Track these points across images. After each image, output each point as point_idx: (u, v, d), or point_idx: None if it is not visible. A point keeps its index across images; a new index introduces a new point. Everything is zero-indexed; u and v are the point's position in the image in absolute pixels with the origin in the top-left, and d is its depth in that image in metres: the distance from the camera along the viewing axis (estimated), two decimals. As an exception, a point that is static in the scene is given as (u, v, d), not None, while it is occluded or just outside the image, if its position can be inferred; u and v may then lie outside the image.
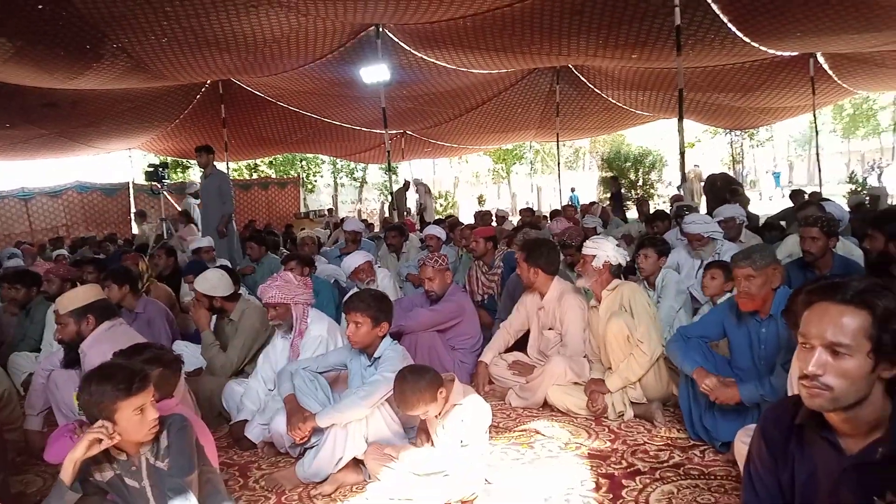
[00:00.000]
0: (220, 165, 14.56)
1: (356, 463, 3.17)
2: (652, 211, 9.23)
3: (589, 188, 29.53)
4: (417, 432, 3.16)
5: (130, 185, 18.10)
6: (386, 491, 2.97)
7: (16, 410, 3.71)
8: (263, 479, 3.29)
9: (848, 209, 8.69)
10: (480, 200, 32.02)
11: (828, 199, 7.84)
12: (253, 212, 19.14)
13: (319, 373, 3.46)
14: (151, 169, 10.23)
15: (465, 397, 3.02)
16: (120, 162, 21.76)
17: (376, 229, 13.80)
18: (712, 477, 2.97)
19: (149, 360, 2.62)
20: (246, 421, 3.79)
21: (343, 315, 3.53)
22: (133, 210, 17.74)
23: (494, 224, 10.53)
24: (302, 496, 3.09)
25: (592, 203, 13.12)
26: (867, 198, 9.24)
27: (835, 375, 1.54)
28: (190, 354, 4.39)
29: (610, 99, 15.54)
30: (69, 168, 23.04)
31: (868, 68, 12.36)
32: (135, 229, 17.35)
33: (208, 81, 13.50)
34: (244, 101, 14.51)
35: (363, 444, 3.14)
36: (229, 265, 6.38)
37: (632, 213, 14.64)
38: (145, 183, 11.96)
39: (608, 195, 17.44)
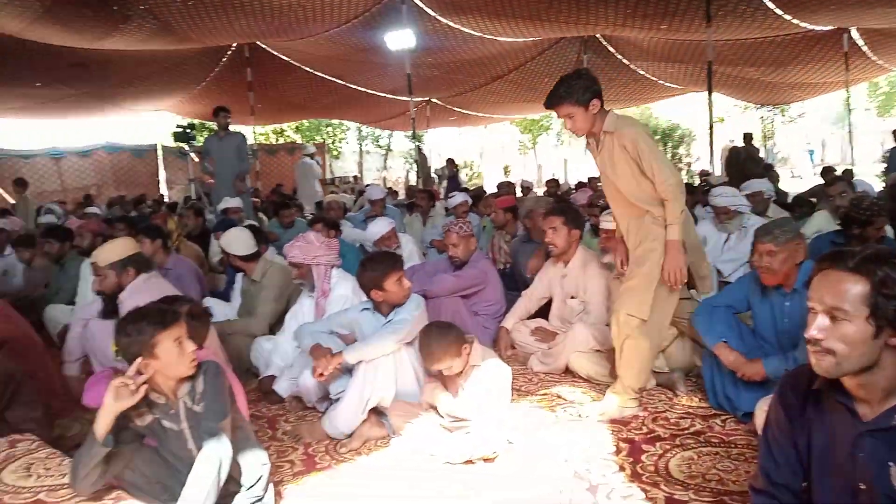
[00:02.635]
0: (247, 129, 14.57)
1: (380, 419, 3.24)
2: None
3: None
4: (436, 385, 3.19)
5: (159, 147, 18.26)
6: (410, 446, 3.03)
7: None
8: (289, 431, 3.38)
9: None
10: (506, 171, 31.76)
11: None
12: (279, 176, 19.22)
13: (335, 333, 3.50)
14: (180, 130, 10.26)
15: (485, 360, 3.07)
16: (149, 123, 21.95)
17: (401, 196, 13.81)
18: (733, 445, 2.99)
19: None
20: (274, 376, 3.88)
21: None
22: (162, 172, 17.91)
23: (520, 194, 10.52)
24: (328, 448, 3.16)
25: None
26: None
27: (835, 340, 1.59)
28: (219, 312, 4.49)
29: (638, 70, 15.28)
30: (98, 129, 23.22)
31: (905, 44, 12.04)
32: (163, 190, 17.56)
33: (234, 44, 13.50)
34: (270, 65, 14.46)
35: (393, 385, 3.18)
36: (256, 224, 6.45)
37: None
38: (173, 145, 12.01)
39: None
